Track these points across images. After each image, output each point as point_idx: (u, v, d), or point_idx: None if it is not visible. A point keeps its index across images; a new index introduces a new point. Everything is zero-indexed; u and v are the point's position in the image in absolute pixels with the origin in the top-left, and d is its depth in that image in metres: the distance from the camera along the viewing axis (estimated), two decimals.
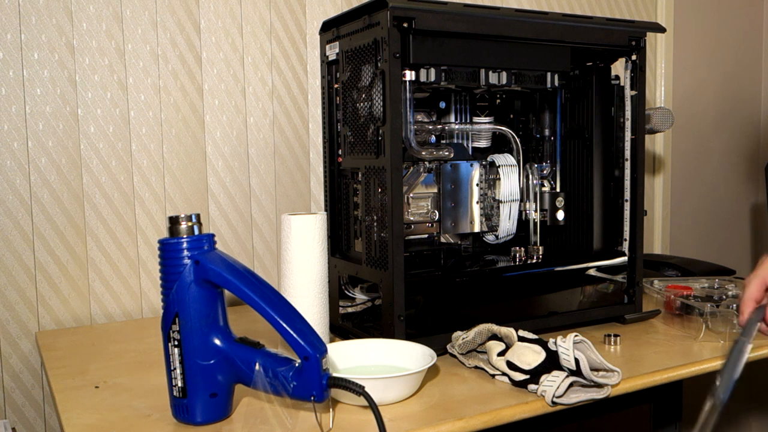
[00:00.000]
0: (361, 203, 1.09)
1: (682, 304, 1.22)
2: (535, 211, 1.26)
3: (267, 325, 0.76)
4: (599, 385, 0.87)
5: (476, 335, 0.95)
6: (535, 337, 0.93)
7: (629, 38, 1.17)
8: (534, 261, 1.19)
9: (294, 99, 1.45)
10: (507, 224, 1.23)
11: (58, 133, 1.25)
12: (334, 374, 0.76)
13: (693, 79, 2.03)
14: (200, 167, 1.37)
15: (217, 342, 0.78)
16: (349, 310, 1.20)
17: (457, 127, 1.24)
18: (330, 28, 1.14)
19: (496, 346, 0.93)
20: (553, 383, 0.84)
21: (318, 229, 1.02)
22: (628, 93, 1.21)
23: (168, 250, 0.78)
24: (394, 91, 0.98)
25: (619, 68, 1.23)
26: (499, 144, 1.29)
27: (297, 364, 0.76)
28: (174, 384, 0.78)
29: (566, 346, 0.87)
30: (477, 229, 1.22)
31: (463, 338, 0.97)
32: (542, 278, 1.18)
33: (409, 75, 1.02)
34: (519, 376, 0.88)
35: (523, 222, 1.27)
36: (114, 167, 1.29)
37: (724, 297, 1.25)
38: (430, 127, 1.20)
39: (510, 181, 1.23)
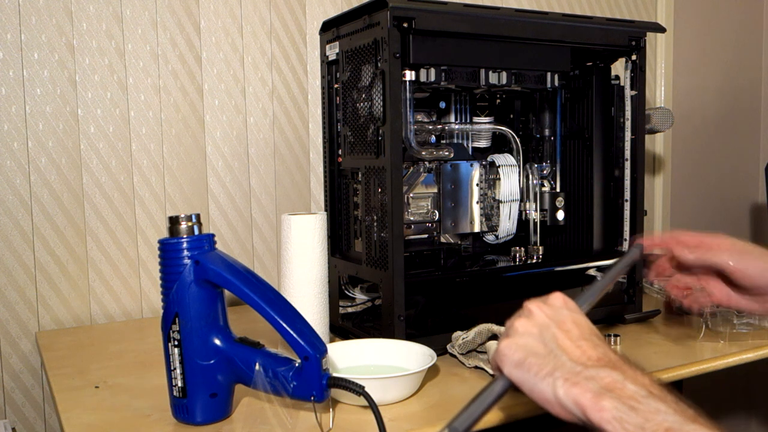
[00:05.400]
0: (361, 203, 1.09)
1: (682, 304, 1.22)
2: (535, 211, 1.26)
3: (267, 325, 0.76)
4: None
5: (476, 335, 0.95)
6: None
7: (629, 38, 1.17)
8: (534, 261, 1.19)
9: (294, 99, 1.45)
10: (507, 224, 1.23)
11: (58, 133, 1.25)
12: (334, 374, 0.76)
13: (693, 79, 2.03)
14: (200, 167, 1.37)
15: (217, 342, 0.78)
16: (349, 310, 1.20)
17: (457, 127, 1.24)
18: (330, 28, 1.14)
19: (495, 346, 0.93)
20: None
21: (318, 229, 1.02)
22: (628, 93, 1.21)
23: (168, 250, 0.78)
24: (394, 91, 0.98)
25: (619, 68, 1.23)
26: (499, 144, 1.29)
27: (297, 364, 0.76)
28: (174, 384, 0.78)
29: None
30: (477, 229, 1.22)
31: (463, 338, 0.97)
32: (542, 278, 1.18)
33: (409, 75, 1.02)
34: None
35: (523, 222, 1.27)
36: (114, 167, 1.29)
37: None
38: (430, 127, 1.20)
39: (510, 181, 1.23)
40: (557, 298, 0.64)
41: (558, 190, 1.29)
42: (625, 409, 0.50)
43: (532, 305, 0.63)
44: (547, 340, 0.59)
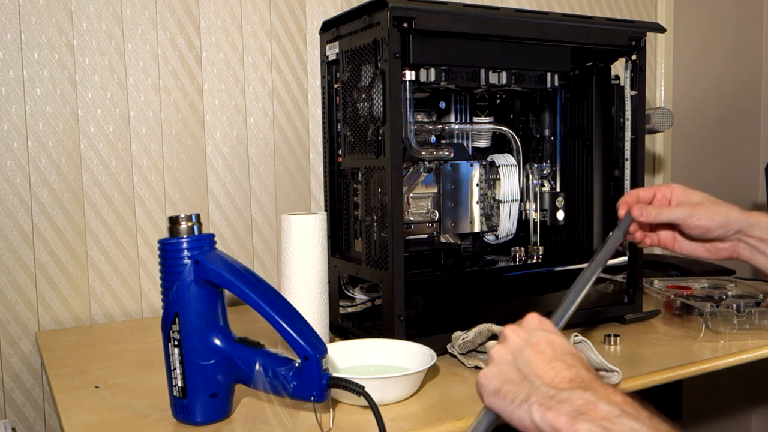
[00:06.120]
0: (361, 203, 1.09)
1: (682, 304, 1.22)
2: (535, 211, 1.26)
3: (267, 325, 0.76)
4: None
5: (476, 335, 0.95)
6: None
7: (629, 38, 1.17)
8: (534, 261, 1.19)
9: (294, 99, 1.45)
10: (507, 224, 1.23)
11: (58, 133, 1.25)
12: (334, 374, 0.76)
13: (693, 79, 2.03)
14: (200, 167, 1.37)
15: (217, 342, 0.78)
16: (349, 310, 1.20)
17: (457, 127, 1.24)
18: (330, 28, 1.14)
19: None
20: None
21: (318, 229, 1.02)
22: (628, 93, 1.21)
23: (168, 250, 0.78)
24: (394, 91, 0.98)
25: (619, 68, 1.23)
26: (499, 144, 1.29)
27: (297, 364, 0.76)
28: (174, 384, 0.78)
29: None
30: (477, 229, 1.22)
31: (463, 338, 0.97)
32: (542, 278, 1.18)
33: (409, 75, 1.02)
34: None
35: (523, 222, 1.27)
36: (114, 167, 1.29)
37: (724, 297, 1.25)
38: (430, 127, 1.20)
39: (510, 181, 1.23)
40: (532, 319, 0.65)
41: (558, 190, 1.29)
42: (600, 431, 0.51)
43: (508, 330, 0.64)
44: (521, 366, 0.60)
